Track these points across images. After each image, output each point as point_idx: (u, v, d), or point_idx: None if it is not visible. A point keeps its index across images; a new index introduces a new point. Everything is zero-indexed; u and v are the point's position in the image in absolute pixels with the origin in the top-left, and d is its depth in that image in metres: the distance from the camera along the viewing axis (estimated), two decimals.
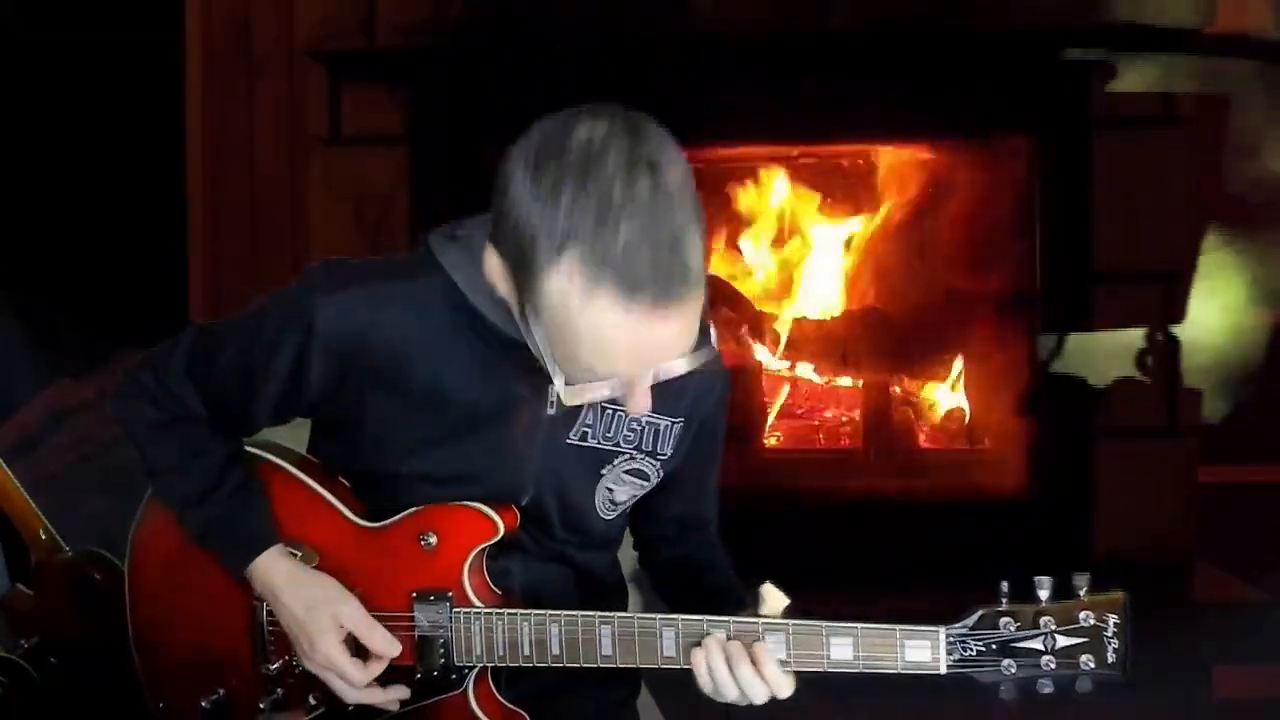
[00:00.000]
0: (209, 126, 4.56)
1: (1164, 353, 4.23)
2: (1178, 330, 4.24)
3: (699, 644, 1.62)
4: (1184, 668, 3.39)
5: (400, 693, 1.74)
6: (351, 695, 1.74)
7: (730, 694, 1.62)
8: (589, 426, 1.73)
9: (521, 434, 1.70)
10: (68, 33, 4.51)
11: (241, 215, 4.57)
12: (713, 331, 1.53)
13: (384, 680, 1.75)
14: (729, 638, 1.61)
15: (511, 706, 1.74)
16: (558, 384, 1.52)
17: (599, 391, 1.52)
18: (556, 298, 1.46)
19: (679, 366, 1.51)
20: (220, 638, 1.83)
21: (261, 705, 1.80)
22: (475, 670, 1.73)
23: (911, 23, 4.11)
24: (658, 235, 1.42)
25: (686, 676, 1.65)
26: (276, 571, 1.76)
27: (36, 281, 4.28)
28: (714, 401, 1.81)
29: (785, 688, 1.61)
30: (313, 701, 1.79)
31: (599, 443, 1.74)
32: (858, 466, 4.36)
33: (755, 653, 1.60)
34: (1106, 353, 4.21)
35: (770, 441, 4.43)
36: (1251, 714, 3.35)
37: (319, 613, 1.72)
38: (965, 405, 4.45)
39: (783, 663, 1.60)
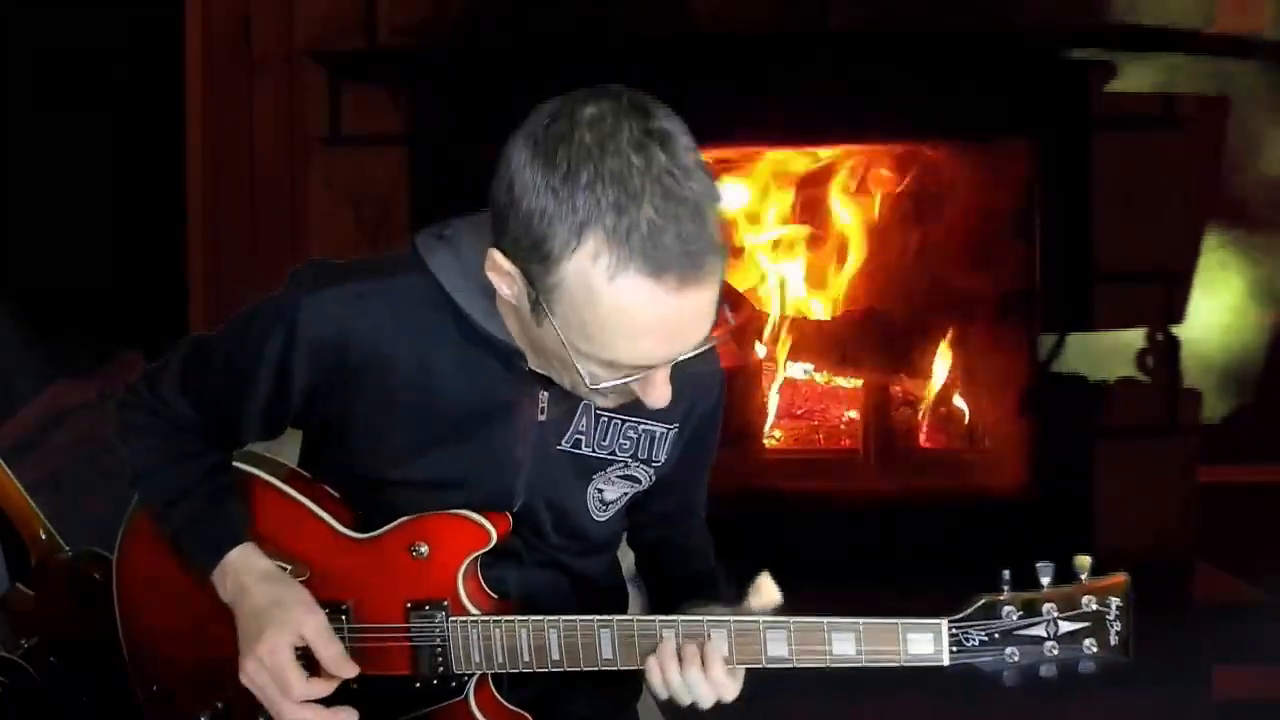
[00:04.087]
0: (209, 126, 4.56)
1: (1164, 353, 4.22)
2: (1178, 330, 4.23)
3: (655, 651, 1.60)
4: (1184, 668, 3.39)
5: (347, 716, 1.66)
6: (284, 711, 1.65)
7: (683, 697, 1.60)
8: (582, 434, 1.70)
9: (512, 440, 1.67)
10: (67, 32, 4.50)
11: (241, 215, 4.56)
12: (727, 312, 1.49)
13: (380, 691, 1.71)
14: (699, 638, 1.58)
15: (514, 709, 1.73)
16: (584, 383, 1.48)
17: (622, 387, 1.49)
18: (579, 286, 1.41)
19: (699, 348, 1.47)
20: (216, 648, 1.78)
21: (260, 719, 1.76)
22: (476, 676, 1.71)
23: (911, 23, 4.10)
24: (681, 208, 1.39)
25: None
26: (251, 566, 1.71)
27: (37, 281, 4.28)
28: (710, 406, 1.79)
29: (730, 690, 1.59)
30: None
31: (593, 451, 1.71)
32: (858, 466, 4.35)
33: (705, 653, 1.57)
34: (1106, 353, 4.20)
35: (770, 442, 4.43)
36: (1251, 714, 3.35)
37: (283, 611, 1.66)
38: (965, 405, 4.44)
39: (785, 659, 1.58)
